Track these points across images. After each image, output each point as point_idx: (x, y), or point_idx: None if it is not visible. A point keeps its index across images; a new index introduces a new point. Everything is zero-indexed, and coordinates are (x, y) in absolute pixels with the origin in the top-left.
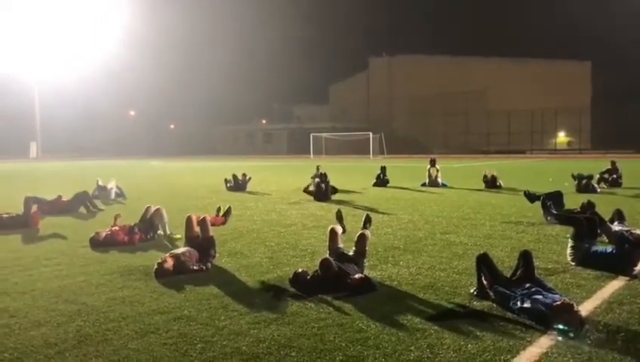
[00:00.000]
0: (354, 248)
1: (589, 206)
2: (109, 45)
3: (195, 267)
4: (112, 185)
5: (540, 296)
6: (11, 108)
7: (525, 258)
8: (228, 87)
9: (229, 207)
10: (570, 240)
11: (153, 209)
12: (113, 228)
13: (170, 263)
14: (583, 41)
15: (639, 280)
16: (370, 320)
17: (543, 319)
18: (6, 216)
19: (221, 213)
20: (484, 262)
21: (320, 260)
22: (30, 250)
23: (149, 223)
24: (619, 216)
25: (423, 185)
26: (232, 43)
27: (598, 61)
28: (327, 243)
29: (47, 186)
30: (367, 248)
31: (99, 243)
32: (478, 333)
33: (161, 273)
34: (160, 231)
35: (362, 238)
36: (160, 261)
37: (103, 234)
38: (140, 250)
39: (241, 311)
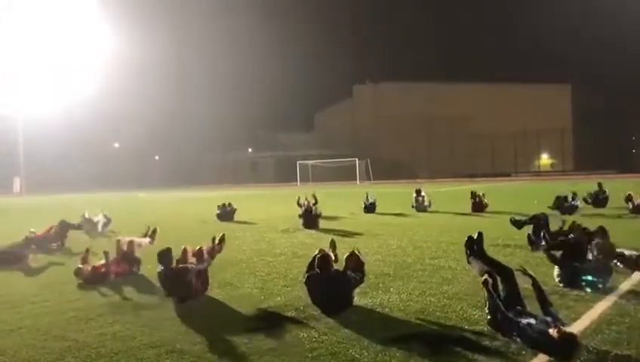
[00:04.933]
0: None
1: (575, 226)
2: (92, 78)
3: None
4: (98, 218)
5: (534, 320)
6: None
7: (508, 278)
8: (213, 116)
9: (223, 235)
10: (558, 261)
11: (125, 241)
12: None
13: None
14: (562, 64)
15: (626, 299)
16: (364, 348)
17: (541, 346)
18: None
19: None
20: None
21: (319, 256)
22: (17, 287)
23: (129, 257)
24: (602, 235)
25: (413, 206)
26: (216, 72)
27: (578, 84)
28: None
29: (34, 221)
30: (357, 265)
31: (89, 279)
32: (471, 357)
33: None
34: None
35: (347, 259)
36: None
37: (89, 269)
38: (128, 283)
39: (234, 343)
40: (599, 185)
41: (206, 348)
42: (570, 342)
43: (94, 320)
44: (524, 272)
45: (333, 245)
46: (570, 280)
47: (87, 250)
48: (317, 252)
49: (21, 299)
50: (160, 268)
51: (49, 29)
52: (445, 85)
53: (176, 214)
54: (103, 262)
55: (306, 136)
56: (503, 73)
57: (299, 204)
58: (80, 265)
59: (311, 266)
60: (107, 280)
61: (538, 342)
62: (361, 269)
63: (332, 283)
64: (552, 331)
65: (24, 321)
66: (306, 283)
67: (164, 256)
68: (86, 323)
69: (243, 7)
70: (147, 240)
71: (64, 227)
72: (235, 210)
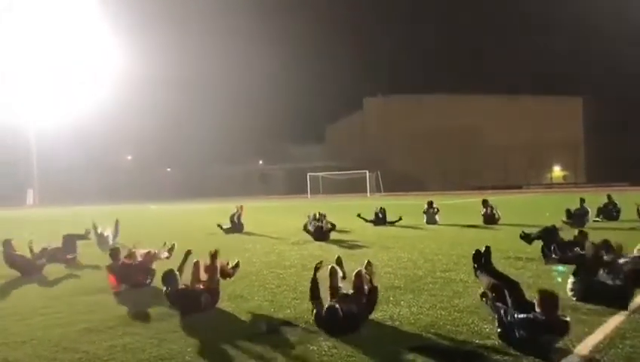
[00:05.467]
0: (351, 289)
1: (582, 236)
2: (105, 91)
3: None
4: (108, 231)
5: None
6: (8, 156)
7: (515, 290)
8: (224, 128)
9: (238, 262)
10: (571, 275)
11: (141, 252)
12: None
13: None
14: (574, 77)
15: (639, 314)
16: None
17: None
18: (19, 258)
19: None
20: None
21: (326, 308)
22: (29, 299)
23: (146, 267)
24: (606, 248)
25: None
26: (228, 85)
27: (590, 96)
28: (328, 284)
29: (47, 233)
30: (365, 284)
31: (114, 271)
32: None
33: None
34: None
35: (357, 277)
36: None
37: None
38: (139, 295)
39: (242, 356)
40: (609, 197)
41: (214, 360)
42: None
43: (104, 332)
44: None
45: (340, 262)
46: (583, 293)
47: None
48: (316, 266)
49: (32, 311)
50: (165, 288)
51: (61, 41)
52: (456, 97)
53: (187, 226)
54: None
55: (316, 148)
56: (515, 86)
57: (309, 218)
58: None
59: (314, 286)
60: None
61: (537, 326)
62: (373, 295)
63: (343, 324)
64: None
65: (35, 333)
66: (316, 321)
67: (168, 277)
68: (96, 335)
69: (255, 21)
70: (165, 254)
71: (70, 239)
72: (241, 207)
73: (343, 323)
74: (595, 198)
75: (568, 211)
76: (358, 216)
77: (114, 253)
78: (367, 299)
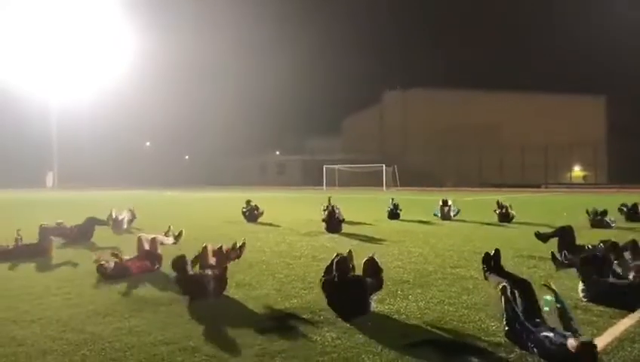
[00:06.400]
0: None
1: (612, 246)
2: (125, 77)
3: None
4: (123, 215)
5: (552, 334)
6: (29, 138)
7: (526, 292)
8: (242, 118)
9: (244, 241)
10: (582, 276)
11: (147, 238)
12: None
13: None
14: (596, 74)
15: None
16: (376, 354)
17: (558, 359)
18: (22, 244)
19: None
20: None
21: (336, 259)
22: (41, 279)
23: (152, 254)
24: (633, 248)
25: (435, 215)
26: (246, 75)
27: (613, 95)
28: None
29: (64, 215)
30: (375, 270)
31: (110, 276)
32: None
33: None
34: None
35: (365, 264)
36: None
37: (112, 265)
38: (148, 280)
39: (247, 343)
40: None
41: (218, 346)
42: (588, 353)
43: (112, 314)
44: (549, 287)
45: (350, 254)
46: (595, 295)
47: (114, 253)
48: (335, 256)
49: (44, 291)
50: (174, 274)
51: (83, 26)
52: (476, 93)
53: (203, 213)
54: (126, 257)
55: (333, 141)
56: (536, 82)
57: (324, 209)
58: (102, 262)
59: (329, 270)
60: (128, 275)
61: (556, 354)
62: (378, 275)
63: (348, 288)
64: (571, 342)
65: (45, 312)
66: (322, 287)
67: (178, 263)
68: (104, 318)
69: (274, 11)
70: (171, 239)
71: (91, 222)
72: (262, 213)
73: (352, 288)
74: (615, 199)
75: (588, 212)
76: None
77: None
78: (374, 279)
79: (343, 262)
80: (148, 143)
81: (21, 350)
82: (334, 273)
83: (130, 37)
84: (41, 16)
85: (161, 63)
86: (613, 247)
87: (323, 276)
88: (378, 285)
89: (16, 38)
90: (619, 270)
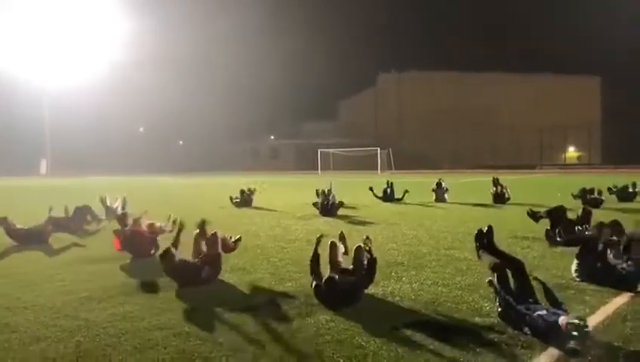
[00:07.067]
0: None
1: (585, 214)
2: (118, 62)
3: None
4: (117, 203)
5: (545, 312)
6: (22, 126)
7: (519, 271)
8: (236, 102)
9: (240, 237)
10: (575, 256)
11: (146, 223)
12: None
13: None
14: (592, 55)
15: None
16: (370, 336)
17: (552, 336)
18: (20, 228)
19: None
20: (501, 275)
21: (324, 280)
22: (35, 266)
23: (152, 239)
24: (615, 228)
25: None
26: (240, 59)
27: (608, 76)
28: (328, 258)
29: (59, 203)
30: (364, 261)
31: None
32: (479, 349)
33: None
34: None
35: (356, 251)
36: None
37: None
38: (141, 266)
39: (241, 328)
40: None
41: (212, 330)
42: (580, 327)
43: (106, 300)
44: (535, 278)
45: (342, 237)
46: (588, 274)
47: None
48: (318, 239)
49: (38, 278)
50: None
51: (75, 11)
52: (471, 75)
53: (197, 199)
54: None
55: (328, 125)
56: (530, 63)
57: (317, 193)
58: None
59: (314, 260)
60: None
61: (548, 333)
62: (372, 266)
63: (339, 296)
64: (562, 320)
65: (39, 299)
66: (315, 294)
67: (165, 256)
68: (98, 304)
69: None
70: (169, 227)
71: (83, 211)
72: (254, 190)
73: (341, 295)
74: (609, 179)
75: (584, 190)
76: (370, 189)
77: (121, 218)
78: (366, 272)
79: (333, 255)
80: (141, 129)
81: (14, 336)
82: (323, 276)
83: (123, 22)
84: (33, 2)
85: (154, 49)
86: (602, 228)
87: (312, 279)
88: (370, 279)
89: (8, 24)
90: (613, 250)
